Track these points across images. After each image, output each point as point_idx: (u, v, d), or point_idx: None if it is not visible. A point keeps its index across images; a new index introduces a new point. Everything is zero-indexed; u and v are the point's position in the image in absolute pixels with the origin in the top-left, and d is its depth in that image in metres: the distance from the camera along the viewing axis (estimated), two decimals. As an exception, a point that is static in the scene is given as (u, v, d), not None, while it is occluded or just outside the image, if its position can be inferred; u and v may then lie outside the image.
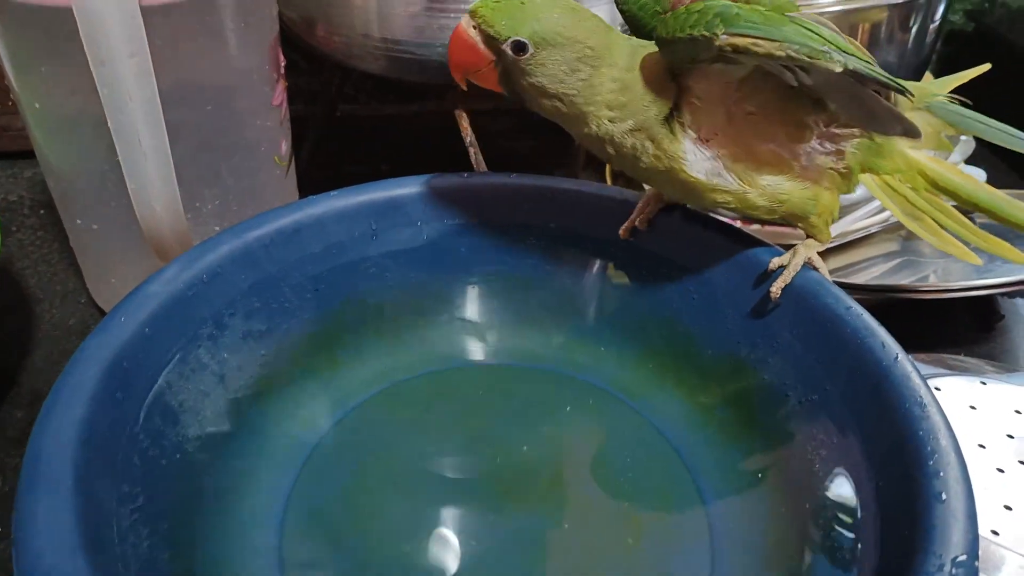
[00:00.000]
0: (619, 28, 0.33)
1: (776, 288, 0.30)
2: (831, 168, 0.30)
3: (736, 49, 0.25)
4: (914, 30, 0.50)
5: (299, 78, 0.64)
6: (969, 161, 0.51)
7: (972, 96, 0.33)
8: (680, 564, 0.29)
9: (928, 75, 0.35)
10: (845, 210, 0.47)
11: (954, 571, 0.21)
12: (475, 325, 0.38)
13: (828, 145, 0.30)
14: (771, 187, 0.30)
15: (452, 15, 0.42)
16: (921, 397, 0.25)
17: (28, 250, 0.50)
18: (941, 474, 0.23)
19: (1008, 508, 0.29)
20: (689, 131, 0.29)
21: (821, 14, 0.41)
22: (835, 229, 0.45)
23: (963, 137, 0.50)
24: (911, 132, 0.28)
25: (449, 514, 0.31)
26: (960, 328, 0.45)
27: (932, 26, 0.52)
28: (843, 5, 0.46)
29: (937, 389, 0.34)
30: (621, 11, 0.32)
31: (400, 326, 0.37)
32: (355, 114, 0.67)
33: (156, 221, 0.35)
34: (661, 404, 0.34)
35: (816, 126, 0.29)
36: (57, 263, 0.48)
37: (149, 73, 0.32)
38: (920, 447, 0.24)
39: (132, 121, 0.32)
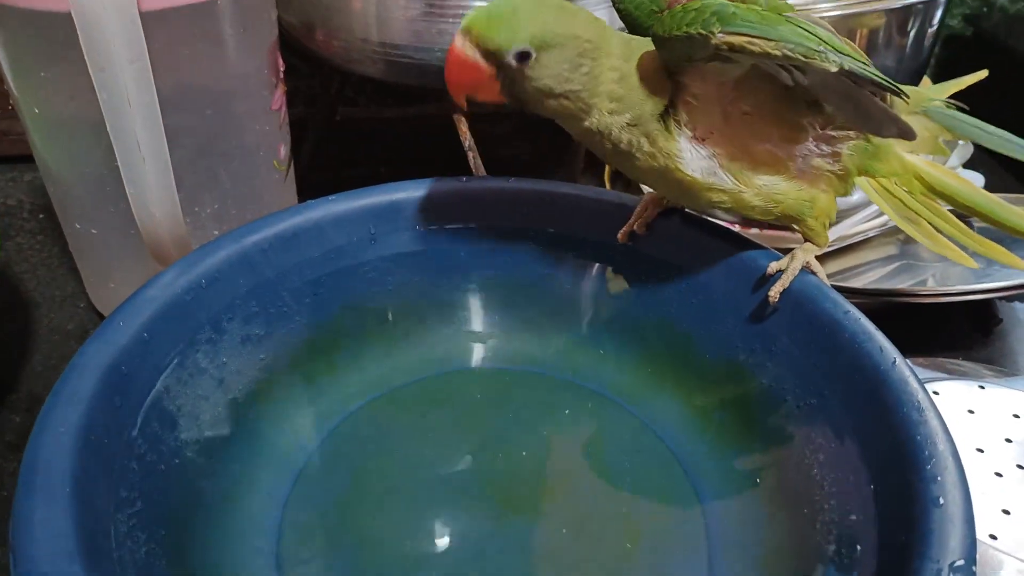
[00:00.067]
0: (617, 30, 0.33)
1: (774, 292, 0.30)
2: (827, 170, 0.30)
3: (732, 48, 0.25)
4: (912, 34, 0.50)
5: (299, 81, 0.64)
6: (967, 165, 0.51)
7: (970, 101, 0.33)
8: (678, 568, 0.29)
9: (926, 79, 0.35)
10: (843, 214, 0.47)
11: (952, 576, 0.21)
12: (474, 329, 0.38)
13: (824, 147, 0.30)
14: (767, 187, 0.30)
15: (450, 20, 0.42)
16: (919, 401, 0.25)
17: (27, 254, 0.50)
18: (939, 478, 0.23)
19: (1006, 512, 0.29)
20: (685, 129, 0.29)
21: (820, 17, 0.41)
22: (833, 233, 0.46)
23: (961, 141, 0.50)
24: (906, 134, 0.28)
25: (447, 518, 0.31)
26: (958, 332, 0.45)
27: (930, 30, 0.52)
28: (841, 10, 0.47)
29: (935, 393, 0.34)
30: (618, 10, 0.32)
31: (399, 331, 0.37)
32: (354, 117, 0.67)
33: (155, 225, 0.35)
34: (659, 408, 0.34)
35: (812, 128, 0.29)
36: (56, 267, 0.48)
37: (148, 78, 0.32)
38: (918, 451, 0.24)
39: (131, 126, 0.32)
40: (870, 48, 0.49)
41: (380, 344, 0.36)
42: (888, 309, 0.41)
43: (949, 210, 0.31)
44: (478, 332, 0.38)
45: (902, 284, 0.42)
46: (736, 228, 0.40)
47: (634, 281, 0.36)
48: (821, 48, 0.24)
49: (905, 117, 0.29)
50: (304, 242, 0.34)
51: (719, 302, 0.33)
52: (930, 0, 0.49)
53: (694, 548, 0.29)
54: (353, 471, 0.32)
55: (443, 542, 0.30)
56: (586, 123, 0.29)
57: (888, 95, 0.28)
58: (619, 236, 0.35)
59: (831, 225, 0.32)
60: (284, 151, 0.43)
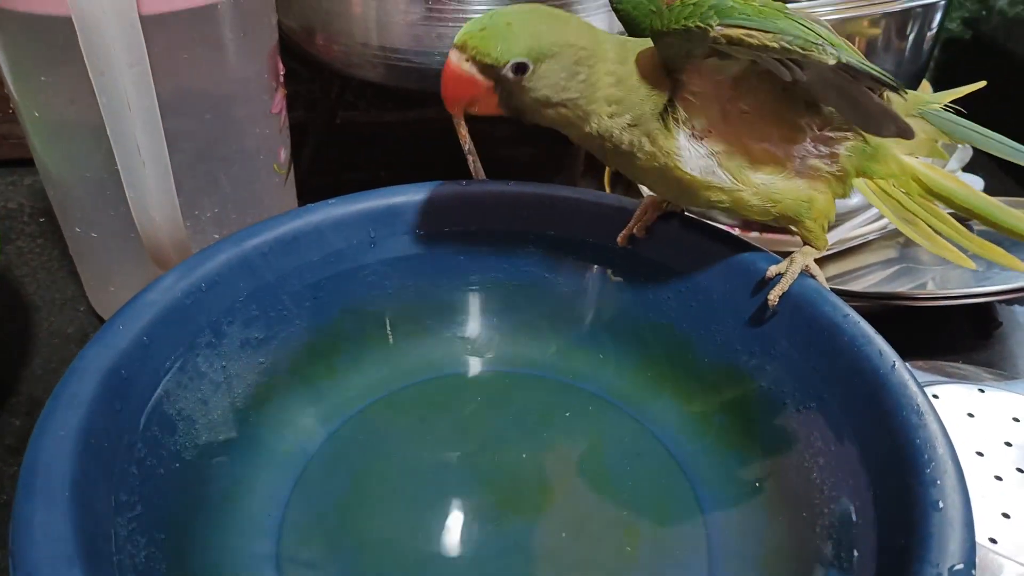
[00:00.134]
0: (617, 33, 0.33)
1: (774, 296, 0.30)
2: (825, 171, 0.30)
3: (730, 41, 0.25)
4: (911, 38, 0.51)
5: (299, 85, 0.64)
6: (967, 169, 0.51)
7: (968, 104, 0.33)
8: (678, 572, 0.29)
9: (925, 83, 0.35)
10: (843, 217, 0.47)
11: (951, 580, 0.21)
12: (474, 333, 0.38)
13: (822, 148, 0.30)
14: (764, 186, 0.30)
15: (450, 24, 0.42)
16: (918, 405, 0.25)
17: (27, 258, 0.50)
18: (938, 482, 0.23)
19: (1006, 516, 0.29)
20: (684, 127, 0.29)
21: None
22: (833, 236, 0.46)
23: (960, 145, 0.50)
24: (904, 132, 0.28)
25: (447, 522, 0.31)
26: (958, 335, 0.45)
27: (929, 34, 0.52)
28: (841, 13, 0.47)
29: (935, 397, 0.34)
30: (615, 10, 0.32)
31: (398, 334, 0.37)
32: (355, 121, 0.68)
33: (155, 229, 0.35)
34: (659, 411, 0.34)
35: (810, 128, 0.30)
36: (56, 271, 0.48)
37: (148, 82, 0.32)
38: (917, 455, 0.24)
39: (131, 130, 0.32)
40: (869, 52, 0.49)
41: (380, 347, 0.36)
42: (888, 312, 0.41)
43: (949, 213, 0.31)
44: (478, 335, 0.38)
45: (902, 287, 0.42)
46: (736, 231, 0.40)
47: (634, 284, 0.36)
48: (819, 41, 0.24)
49: (904, 118, 0.29)
50: (304, 246, 0.34)
51: (718, 305, 0.33)
52: (929, 3, 0.49)
53: (694, 550, 0.29)
54: (353, 474, 0.32)
55: (443, 544, 0.30)
56: (586, 129, 0.29)
57: (886, 93, 0.28)
58: (619, 239, 0.35)
59: (830, 228, 0.32)
60: (284, 155, 0.43)
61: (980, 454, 0.32)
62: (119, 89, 0.31)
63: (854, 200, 0.46)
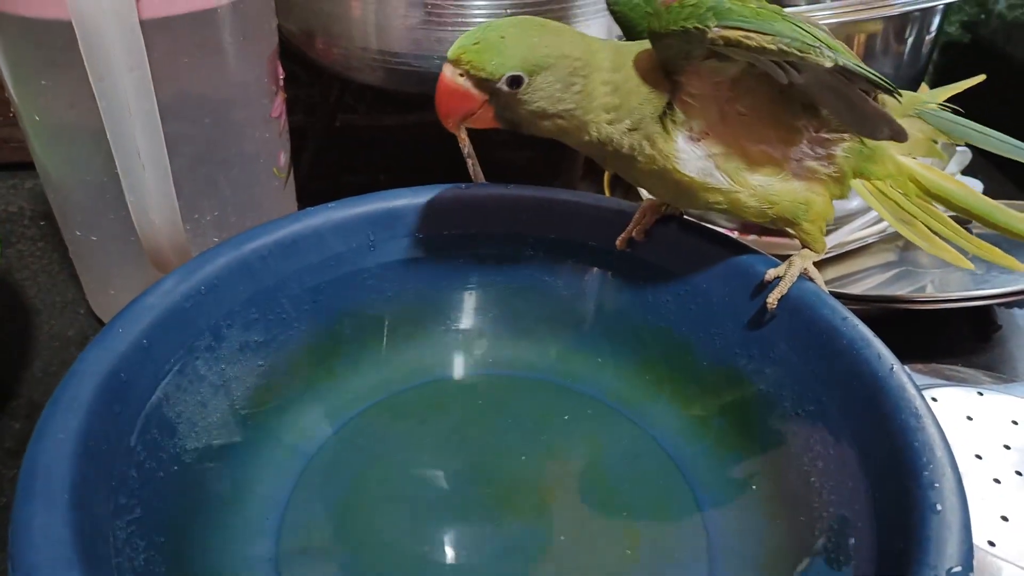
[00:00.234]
0: (616, 39, 0.33)
1: (772, 299, 0.30)
2: (822, 172, 0.30)
3: (728, 42, 0.25)
4: (910, 41, 0.51)
5: (299, 89, 0.64)
6: (966, 171, 0.51)
7: (968, 106, 0.33)
8: (677, 573, 0.29)
9: (924, 86, 0.35)
10: (842, 220, 0.47)
11: (949, 582, 0.21)
12: (473, 336, 0.38)
13: (819, 150, 0.30)
14: (762, 188, 0.30)
15: (449, 28, 0.42)
16: (917, 408, 0.25)
17: (28, 261, 0.50)
18: (936, 485, 0.23)
19: (1005, 519, 0.29)
20: (682, 128, 0.29)
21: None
22: (832, 239, 0.46)
23: (960, 148, 0.50)
24: (898, 135, 0.28)
25: (446, 525, 0.31)
26: (957, 338, 0.45)
27: (928, 37, 0.52)
28: (839, 17, 0.47)
29: (934, 400, 0.34)
30: (612, 12, 0.32)
31: (398, 337, 0.37)
32: (354, 124, 0.68)
33: (155, 233, 0.35)
34: (658, 414, 0.34)
35: (807, 130, 0.30)
36: (56, 274, 0.48)
37: (148, 86, 0.32)
38: (915, 458, 0.24)
39: (131, 133, 0.33)
40: (868, 55, 0.49)
41: (379, 350, 0.36)
42: (887, 315, 0.41)
43: (949, 215, 0.31)
44: (477, 338, 0.38)
45: (901, 290, 0.42)
46: (735, 234, 0.41)
47: (633, 287, 0.36)
48: (816, 43, 0.25)
49: (899, 119, 0.29)
50: (303, 249, 0.34)
51: (717, 308, 0.33)
52: (928, 7, 0.49)
53: (694, 553, 0.29)
54: (352, 476, 0.32)
55: (441, 547, 0.30)
56: (585, 137, 0.29)
57: (880, 95, 0.28)
58: (618, 243, 0.35)
59: (829, 231, 0.32)
60: (284, 158, 0.43)
61: (979, 457, 0.32)
62: (119, 93, 0.32)
63: (853, 204, 0.46)
